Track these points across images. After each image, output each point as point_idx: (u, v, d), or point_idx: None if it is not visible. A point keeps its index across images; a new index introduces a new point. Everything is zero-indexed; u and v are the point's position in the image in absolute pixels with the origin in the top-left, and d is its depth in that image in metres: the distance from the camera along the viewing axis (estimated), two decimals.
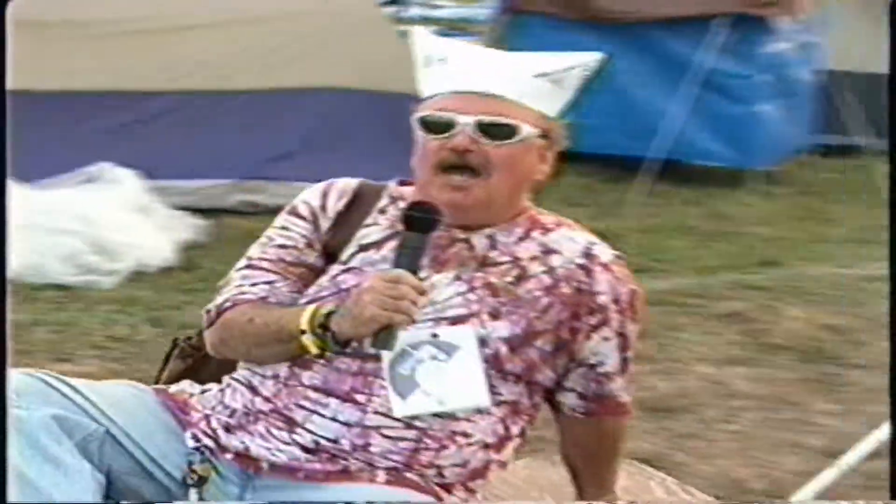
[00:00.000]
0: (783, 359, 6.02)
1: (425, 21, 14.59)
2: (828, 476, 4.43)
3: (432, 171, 2.71)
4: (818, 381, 5.62)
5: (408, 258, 2.64)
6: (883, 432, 4.35)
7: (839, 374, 5.85)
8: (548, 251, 2.82)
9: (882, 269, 7.42)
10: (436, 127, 2.71)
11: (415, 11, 15.99)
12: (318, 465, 2.73)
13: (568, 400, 2.87)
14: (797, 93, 10.06)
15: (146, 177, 7.58)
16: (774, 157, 9.90)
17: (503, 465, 2.80)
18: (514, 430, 2.79)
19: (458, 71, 2.80)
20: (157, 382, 2.97)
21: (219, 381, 2.86)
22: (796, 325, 6.44)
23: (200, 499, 2.76)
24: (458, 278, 2.76)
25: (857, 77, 10.16)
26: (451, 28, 14.60)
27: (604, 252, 2.81)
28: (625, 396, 2.88)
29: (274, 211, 2.94)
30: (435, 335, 2.71)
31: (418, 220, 2.66)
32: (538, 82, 2.78)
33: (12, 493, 2.54)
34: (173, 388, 2.92)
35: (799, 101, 10.13)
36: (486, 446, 2.75)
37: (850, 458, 4.48)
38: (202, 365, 3.04)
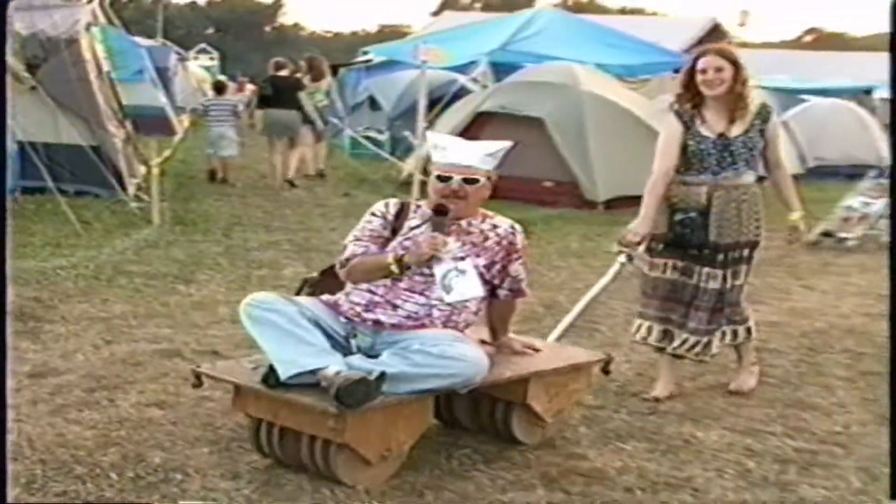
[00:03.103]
0: None
1: None
2: (561, 326, 5.49)
3: (443, 196, 4.22)
4: None
5: (438, 228, 4.18)
6: (609, 275, 5.45)
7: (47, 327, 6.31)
8: (494, 226, 4.38)
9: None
10: (444, 179, 4.25)
11: None
12: (411, 323, 4.15)
13: (502, 291, 4.42)
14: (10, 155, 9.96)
15: None
16: None
17: (476, 321, 4.38)
18: (482, 306, 4.38)
19: (451, 153, 4.30)
20: None
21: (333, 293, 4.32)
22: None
23: (357, 345, 4.14)
24: (458, 240, 4.25)
25: (39, 144, 10.84)
26: None
27: (516, 227, 4.43)
28: (526, 290, 4.52)
29: None
30: (457, 266, 4.20)
31: (440, 211, 4.19)
32: (486, 157, 4.32)
33: (286, 349, 3.93)
34: (324, 298, 4.27)
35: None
36: (474, 312, 4.33)
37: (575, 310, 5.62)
38: (316, 289, 4.45)
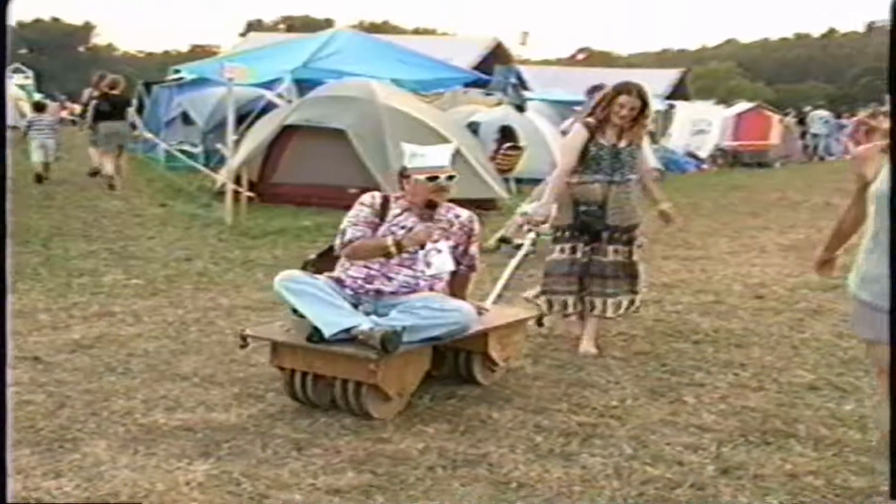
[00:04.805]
0: None
1: None
2: (494, 293, 6.42)
3: (431, 192, 4.79)
4: None
5: (428, 219, 4.81)
6: (524, 249, 6.57)
7: None
8: (457, 216, 5.00)
9: None
10: (431, 179, 4.78)
11: None
12: (404, 290, 4.75)
13: (462, 268, 5.02)
14: None
15: None
16: None
17: (445, 288, 4.91)
18: (450, 277, 4.94)
19: (430, 158, 4.84)
20: None
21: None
22: None
23: (364, 311, 4.66)
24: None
25: None
26: None
27: (474, 216, 5.08)
28: (479, 265, 5.19)
29: None
30: (435, 246, 4.76)
31: (431, 206, 4.81)
32: (450, 157, 4.91)
33: (322, 311, 4.54)
34: (326, 276, 4.79)
35: None
36: (445, 282, 4.90)
37: (506, 274, 6.70)
38: (315, 268, 4.96)
